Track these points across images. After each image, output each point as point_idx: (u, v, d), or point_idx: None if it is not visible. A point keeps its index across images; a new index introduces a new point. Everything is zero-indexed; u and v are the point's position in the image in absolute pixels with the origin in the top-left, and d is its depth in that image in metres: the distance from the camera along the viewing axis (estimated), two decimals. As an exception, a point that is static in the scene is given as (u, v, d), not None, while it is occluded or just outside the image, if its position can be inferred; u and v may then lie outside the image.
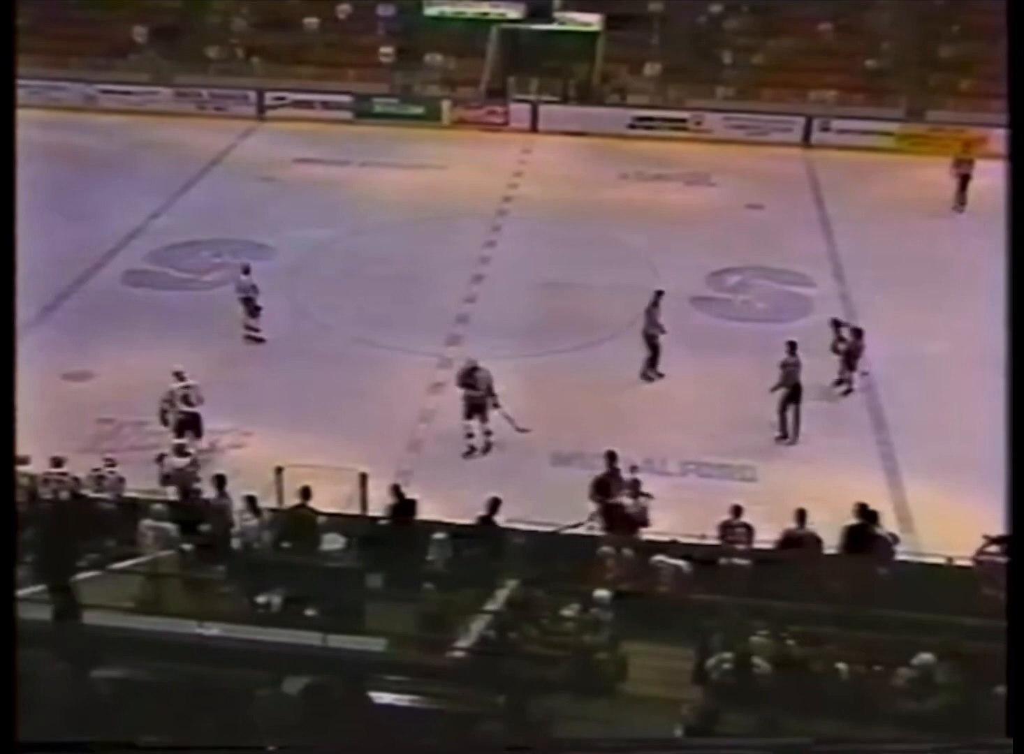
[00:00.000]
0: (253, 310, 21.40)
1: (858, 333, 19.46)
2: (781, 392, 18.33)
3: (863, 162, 30.99)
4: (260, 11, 37.77)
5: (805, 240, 26.18)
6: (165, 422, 17.64)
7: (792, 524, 14.27)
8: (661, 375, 20.25)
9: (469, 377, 18.08)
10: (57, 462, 15.23)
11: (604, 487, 15.48)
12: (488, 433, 18.27)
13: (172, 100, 35.55)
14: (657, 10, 36.81)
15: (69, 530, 13.63)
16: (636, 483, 15.16)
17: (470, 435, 18.18)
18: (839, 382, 19.69)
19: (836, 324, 19.56)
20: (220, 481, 14.78)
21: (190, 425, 17.43)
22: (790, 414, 18.35)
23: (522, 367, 20.48)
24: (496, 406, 18.12)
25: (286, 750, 7.31)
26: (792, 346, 18.38)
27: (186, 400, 17.56)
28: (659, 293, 20.31)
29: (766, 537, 14.38)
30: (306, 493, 14.27)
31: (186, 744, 7.72)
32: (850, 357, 19.47)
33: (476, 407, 18.12)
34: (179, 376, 17.63)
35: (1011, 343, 6.05)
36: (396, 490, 15.11)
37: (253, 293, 21.29)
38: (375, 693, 9.62)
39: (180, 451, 16.28)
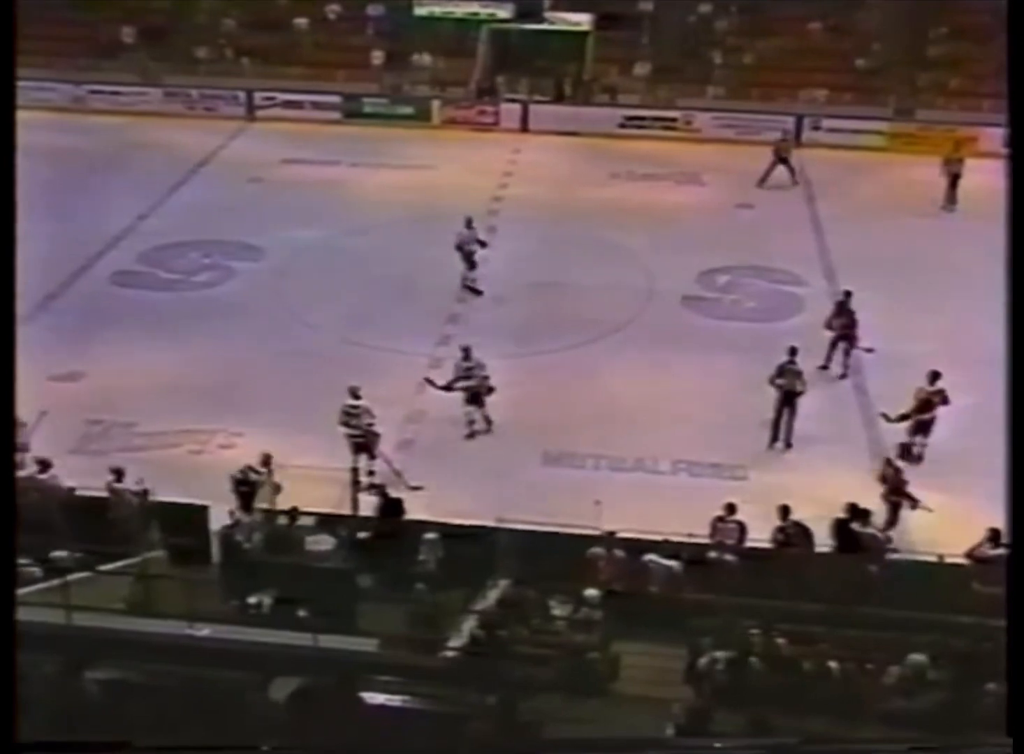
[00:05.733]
0: (471, 263, 23.24)
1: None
2: (776, 397, 18.21)
3: (853, 161, 31.01)
4: (249, 11, 37.66)
5: (795, 239, 26.16)
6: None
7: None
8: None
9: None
10: (44, 464, 15.12)
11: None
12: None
13: (161, 100, 35.44)
14: (647, 10, 36.80)
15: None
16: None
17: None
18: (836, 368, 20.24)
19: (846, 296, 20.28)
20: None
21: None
22: (784, 420, 18.28)
23: (512, 367, 20.44)
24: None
25: (279, 750, 7.30)
26: (793, 351, 18.19)
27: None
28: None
29: (757, 536, 14.42)
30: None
31: (178, 745, 7.70)
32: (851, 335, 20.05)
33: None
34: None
35: (1011, 343, 6.04)
36: (381, 491, 15.13)
37: (476, 246, 23.18)
38: (366, 693, 9.59)
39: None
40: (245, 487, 15.39)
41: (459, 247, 23.22)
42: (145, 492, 14.84)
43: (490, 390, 18.39)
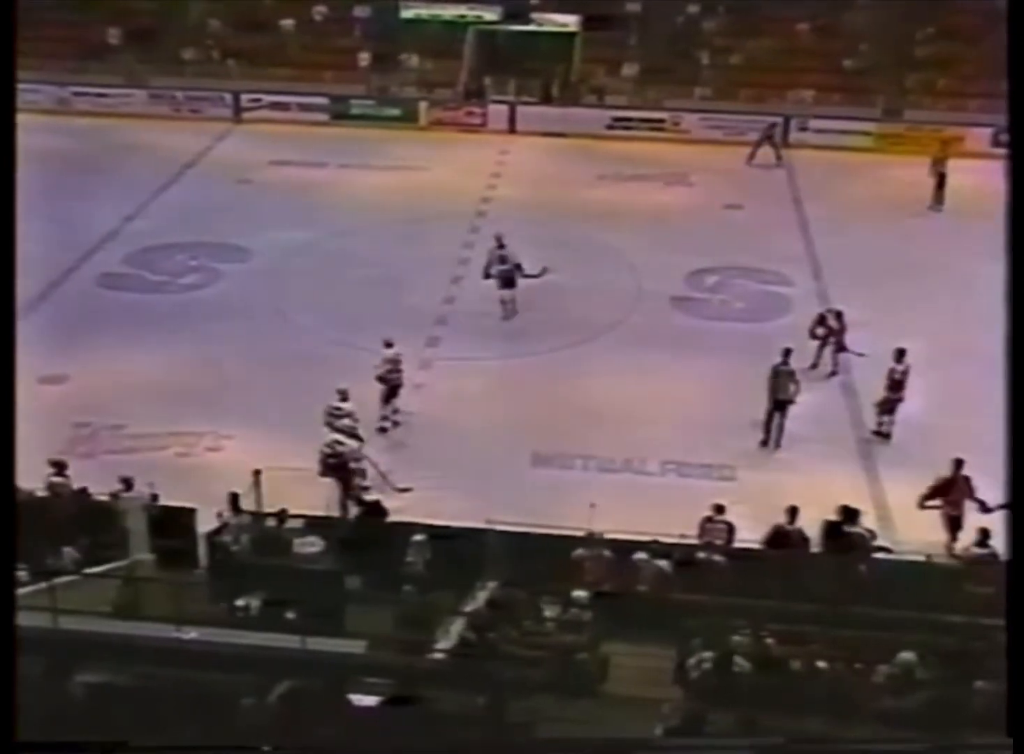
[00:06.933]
0: (502, 281, 21.96)
1: (839, 315, 20.19)
2: (768, 399, 18.20)
3: (841, 162, 31.03)
4: (236, 13, 37.57)
5: (783, 240, 26.19)
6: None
7: (777, 522, 14.36)
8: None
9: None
10: (59, 466, 15.08)
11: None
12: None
13: (147, 102, 35.32)
14: (634, 11, 36.81)
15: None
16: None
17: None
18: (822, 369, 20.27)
19: (823, 317, 20.20)
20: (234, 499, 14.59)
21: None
22: (775, 420, 18.28)
23: (501, 368, 20.47)
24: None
25: (275, 751, 7.27)
26: (786, 352, 18.21)
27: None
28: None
29: (746, 536, 14.41)
30: None
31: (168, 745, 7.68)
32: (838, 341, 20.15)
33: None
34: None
35: (1010, 342, 6.04)
36: (356, 497, 15.09)
37: (507, 267, 21.83)
38: (355, 695, 9.56)
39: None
40: (334, 459, 15.91)
41: (488, 264, 22.20)
42: (155, 498, 14.83)
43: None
